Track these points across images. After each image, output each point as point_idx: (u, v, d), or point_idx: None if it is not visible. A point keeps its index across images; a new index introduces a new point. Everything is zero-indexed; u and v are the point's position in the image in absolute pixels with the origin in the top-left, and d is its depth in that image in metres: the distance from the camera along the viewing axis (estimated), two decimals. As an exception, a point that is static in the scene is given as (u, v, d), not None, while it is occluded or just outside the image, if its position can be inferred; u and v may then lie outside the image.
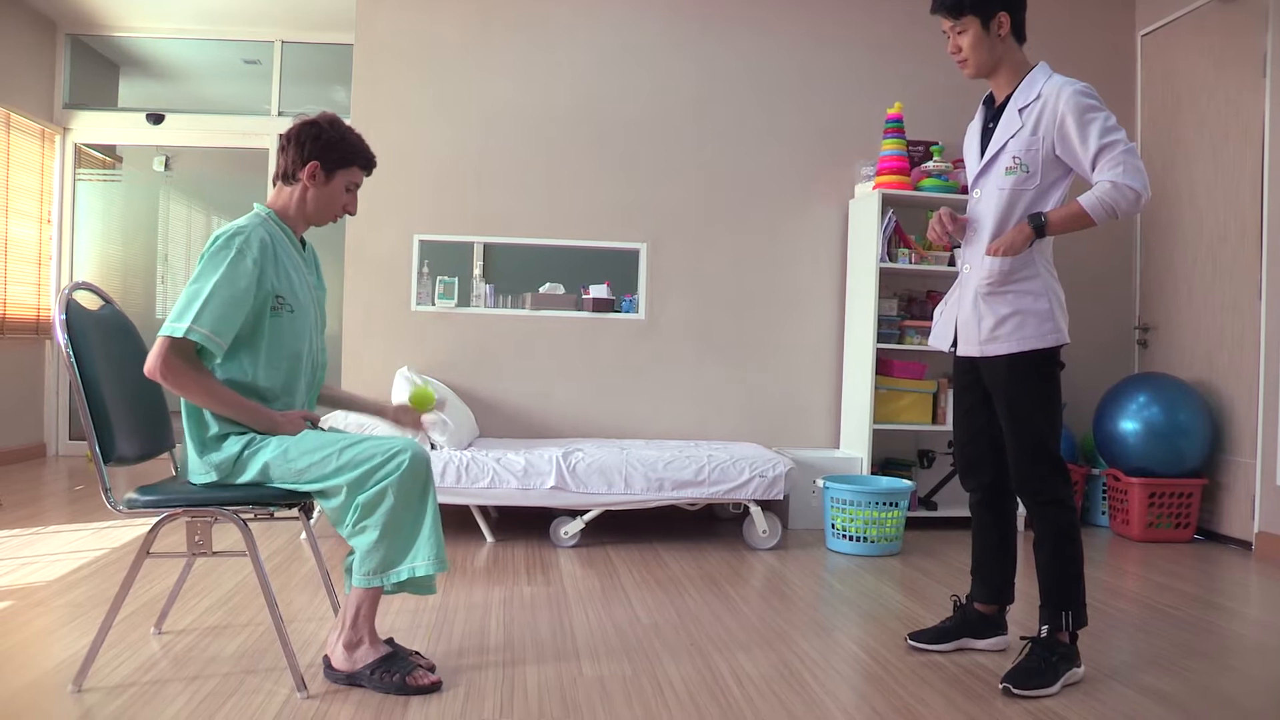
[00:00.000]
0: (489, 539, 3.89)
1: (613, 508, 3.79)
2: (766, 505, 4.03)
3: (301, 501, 2.28)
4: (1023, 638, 2.45)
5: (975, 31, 2.38)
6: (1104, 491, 4.61)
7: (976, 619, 2.62)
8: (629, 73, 4.70)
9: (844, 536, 3.86)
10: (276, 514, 2.26)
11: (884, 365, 4.42)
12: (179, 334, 2.05)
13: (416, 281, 4.58)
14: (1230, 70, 4.33)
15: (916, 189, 4.41)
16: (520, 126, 4.64)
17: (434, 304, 4.59)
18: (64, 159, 5.89)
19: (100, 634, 2.15)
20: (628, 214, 4.68)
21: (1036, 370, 2.39)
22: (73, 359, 2.10)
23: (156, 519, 2.20)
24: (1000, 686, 2.30)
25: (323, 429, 2.38)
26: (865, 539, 3.82)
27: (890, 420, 4.39)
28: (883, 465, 4.55)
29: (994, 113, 2.48)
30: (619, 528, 4.16)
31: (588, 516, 3.83)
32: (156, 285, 6.15)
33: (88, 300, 2.35)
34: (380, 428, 3.71)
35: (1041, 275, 2.39)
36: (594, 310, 4.66)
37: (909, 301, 4.62)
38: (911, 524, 4.33)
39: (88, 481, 4.97)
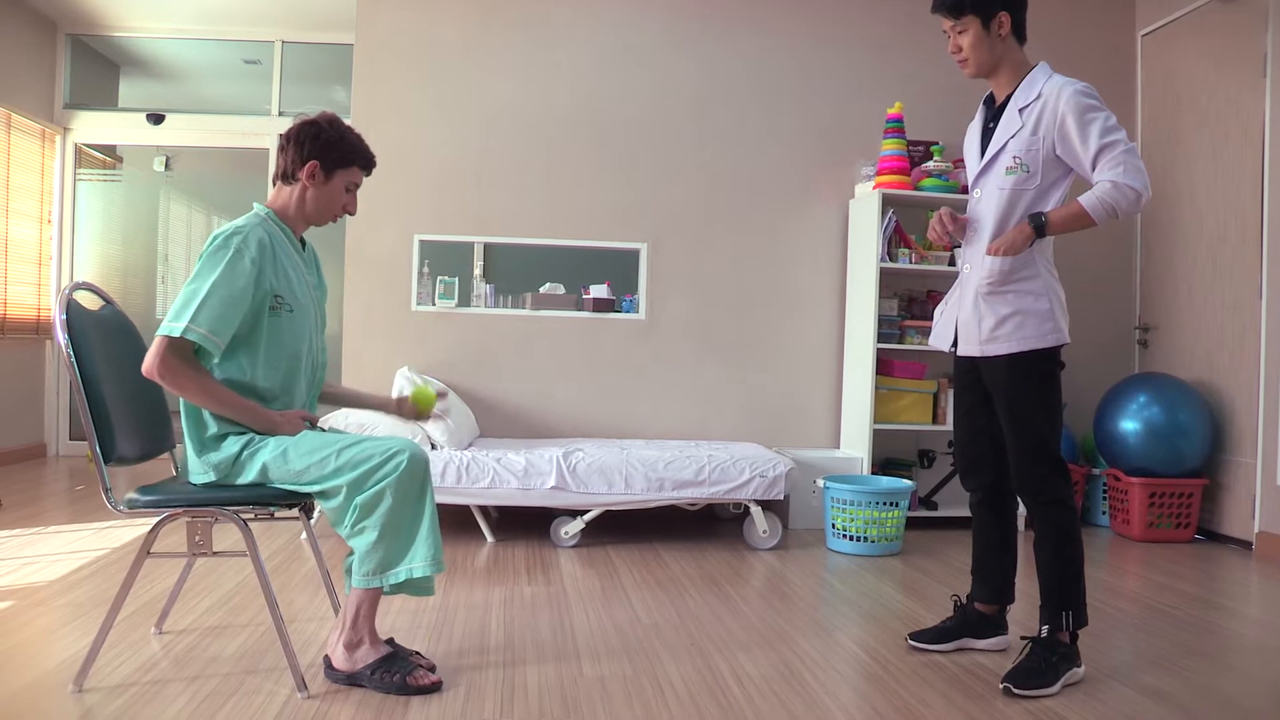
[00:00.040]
0: (489, 539, 3.89)
1: (613, 508, 3.79)
2: (767, 505, 4.03)
3: (302, 501, 2.28)
4: (1023, 637, 2.45)
5: (976, 31, 2.38)
6: (1104, 491, 4.61)
7: (977, 619, 2.62)
8: (629, 73, 4.70)
9: (844, 536, 3.86)
10: (277, 514, 2.26)
11: (884, 365, 4.42)
12: (176, 333, 2.05)
13: (417, 281, 4.58)
14: (1230, 70, 4.33)
15: (917, 189, 4.41)
16: (520, 126, 4.64)
17: (434, 304, 4.59)
18: (64, 159, 5.89)
19: (101, 634, 2.15)
20: (628, 214, 4.68)
21: (1037, 370, 2.39)
22: (73, 359, 2.10)
23: (157, 519, 2.20)
24: (1001, 686, 2.30)
25: (322, 429, 2.38)
26: (866, 539, 3.82)
27: (890, 420, 4.39)
28: (883, 465, 4.55)
29: (994, 113, 2.48)
30: (619, 528, 4.16)
31: (588, 516, 3.83)
32: (157, 285, 6.15)
33: (88, 300, 2.35)
34: (380, 428, 3.71)
35: (1042, 275, 2.39)
36: (594, 310, 4.66)
37: (909, 301, 4.62)
38: (912, 524, 4.33)
39: (88, 481, 4.97)
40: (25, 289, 5.60)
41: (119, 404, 2.19)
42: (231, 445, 2.16)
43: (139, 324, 2.52)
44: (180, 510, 2.16)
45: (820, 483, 4.06)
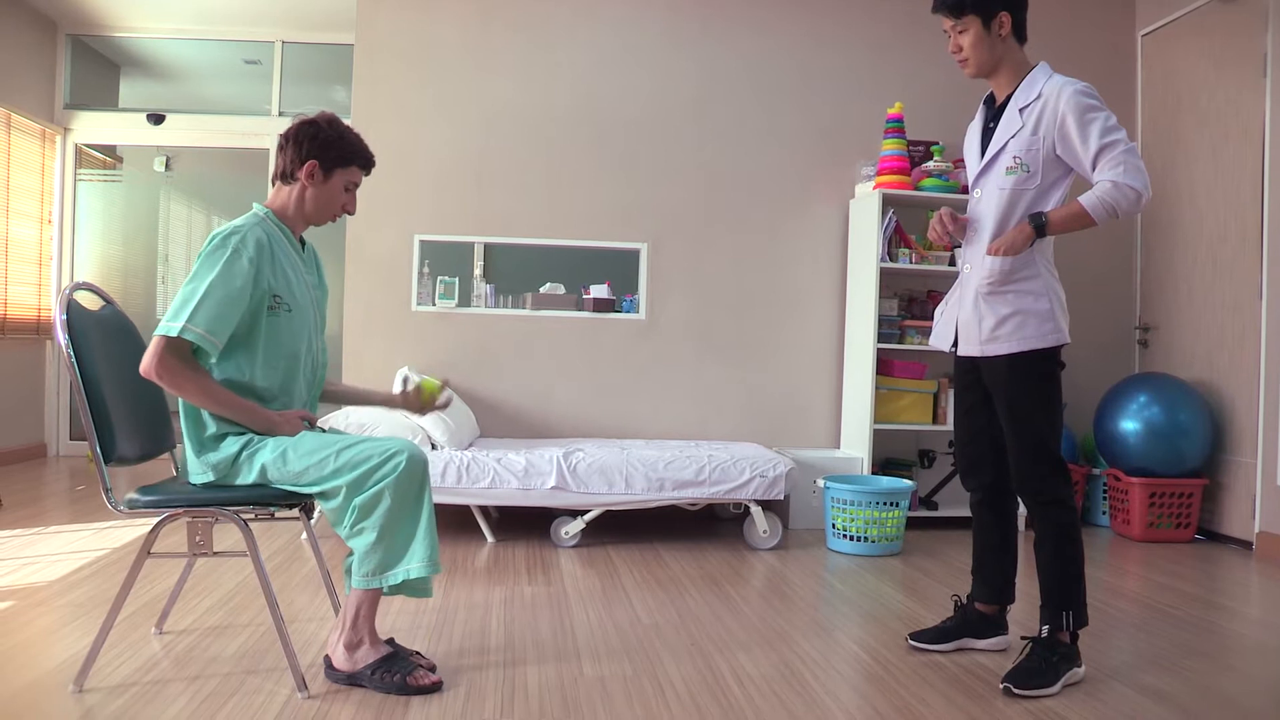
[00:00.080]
0: (489, 539, 3.89)
1: (613, 508, 3.79)
2: (767, 505, 4.03)
3: (302, 502, 2.28)
4: (1023, 637, 2.45)
5: (976, 31, 2.38)
6: (1105, 491, 4.61)
7: (977, 619, 2.62)
8: (629, 73, 4.70)
9: (845, 536, 3.86)
10: (277, 514, 2.26)
11: (884, 365, 4.42)
12: (174, 333, 2.05)
13: (417, 281, 4.58)
14: (1230, 70, 4.33)
15: (917, 189, 4.41)
16: (520, 126, 4.64)
17: (434, 304, 4.59)
18: (64, 159, 5.89)
19: (101, 634, 2.15)
20: (628, 214, 4.68)
21: (1037, 370, 2.39)
22: (73, 359, 2.10)
23: (157, 519, 2.20)
24: (1001, 686, 2.30)
25: (321, 429, 2.38)
26: (866, 539, 3.82)
27: (891, 420, 4.39)
28: (883, 465, 4.55)
29: (994, 112, 2.48)
30: (620, 528, 4.16)
31: (588, 516, 3.83)
32: (157, 285, 6.15)
33: (88, 300, 2.35)
34: (380, 428, 3.71)
35: (1042, 275, 2.39)
36: (594, 310, 4.66)
37: (909, 301, 4.62)
38: (912, 524, 4.33)
39: (89, 481, 4.97)
40: (25, 289, 5.60)
41: (119, 404, 2.19)
42: (231, 445, 2.16)
43: (139, 324, 2.52)
44: (181, 510, 2.17)
45: (820, 483, 4.06)
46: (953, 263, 4.42)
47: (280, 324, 2.22)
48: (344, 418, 3.77)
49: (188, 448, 2.19)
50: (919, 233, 4.61)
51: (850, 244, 4.69)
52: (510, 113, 4.63)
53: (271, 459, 2.14)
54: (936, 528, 4.39)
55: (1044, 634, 2.36)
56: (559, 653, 2.51)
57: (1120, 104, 4.94)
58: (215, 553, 2.27)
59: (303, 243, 2.40)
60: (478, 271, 4.68)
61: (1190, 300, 4.59)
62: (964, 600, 2.67)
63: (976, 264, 2.46)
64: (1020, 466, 2.41)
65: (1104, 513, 4.63)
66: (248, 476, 2.16)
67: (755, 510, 3.86)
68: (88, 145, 5.98)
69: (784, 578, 3.43)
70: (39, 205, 5.74)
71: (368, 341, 4.55)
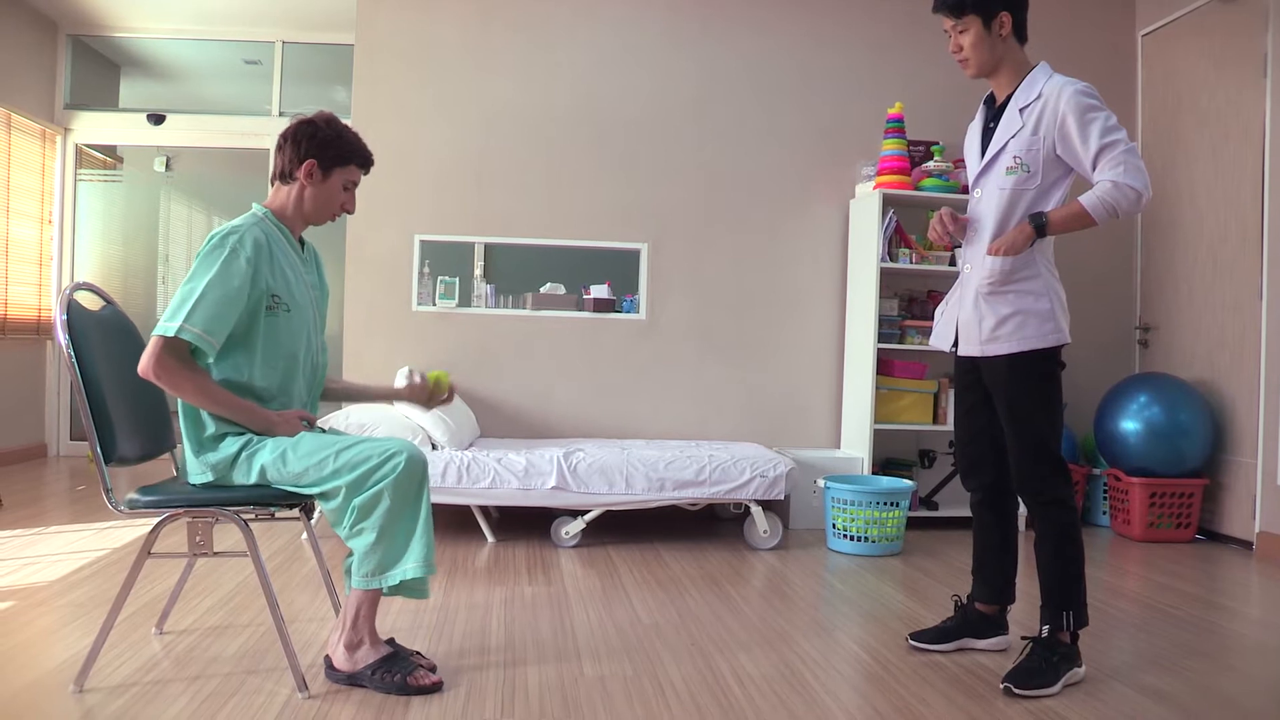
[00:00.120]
0: (490, 539, 3.89)
1: (614, 508, 3.79)
2: (767, 505, 4.03)
3: (303, 502, 2.28)
4: (1024, 637, 2.45)
5: (977, 31, 2.38)
6: (1105, 491, 4.61)
7: (977, 619, 2.62)
8: (629, 73, 4.70)
9: (845, 536, 3.86)
10: (277, 514, 2.26)
11: (885, 365, 4.42)
12: (171, 333, 2.05)
13: (417, 281, 4.58)
14: (1230, 70, 4.33)
15: (917, 189, 4.41)
16: (520, 126, 4.64)
17: (435, 304, 4.59)
18: (65, 159, 5.89)
19: (102, 634, 2.15)
20: (628, 214, 4.69)
21: (1037, 370, 2.39)
22: (74, 359, 2.10)
23: (158, 519, 2.20)
24: (1001, 686, 2.30)
25: (321, 429, 2.38)
26: (866, 539, 3.82)
27: (891, 420, 4.39)
28: (883, 465, 4.55)
29: (995, 112, 2.48)
30: (620, 528, 4.16)
31: (589, 516, 3.83)
32: (157, 286, 6.15)
33: (89, 300, 2.35)
34: (380, 429, 3.71)
35: (1042, 275, 2.39)
36: (595, 310, 4.66)
37: (910, 301, 4.62)
38: (912, 524, 4.32)
39: (89, 482, 4.97)
40: (26, 289, 5.60)
41: (119, 404, 2.19)
42: (230, 446, 2.16)
43: (139, 324, 2.52)
44: (181, 510, 2.17)
45: (821, 483, 4.06)
46: (953, 263, 4.42)
47: (279, 324, 2.22)
48: (344, 418, 3.77)
49: (187, 448, 2.19)
50: (919, 233, 4.61)
51: (850, 244, 4.69)
52: (510, 113, 4.64)
53: (271, 460, 2.14)
54: (937, 528, 4.39)
55: (1044, 634, 2.36)
56: (559, 653, 2.51)
57: (1120, 104, 4.94)
58: (215, 553, 2.27)
59: (302, 243, 2.40)
60: (478, 271, 4.68)
61: (1190, 300, 4.59)
62: (964, 600, 2.67)
63: (977, 264, 2.46)
64: (1021, 466, 2.41)
65: (1104, 513, 4.63)
66: (247, 477, 2.16)
67: (755, 510, 3.86)
68: (88, 145, 5.98)
69: (784, 578, 3.43)
70: (39, 205, 5.74)
71: (368, 341, 4.55)
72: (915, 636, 2.64)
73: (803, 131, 4.77)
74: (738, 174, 4.74)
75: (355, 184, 2.35)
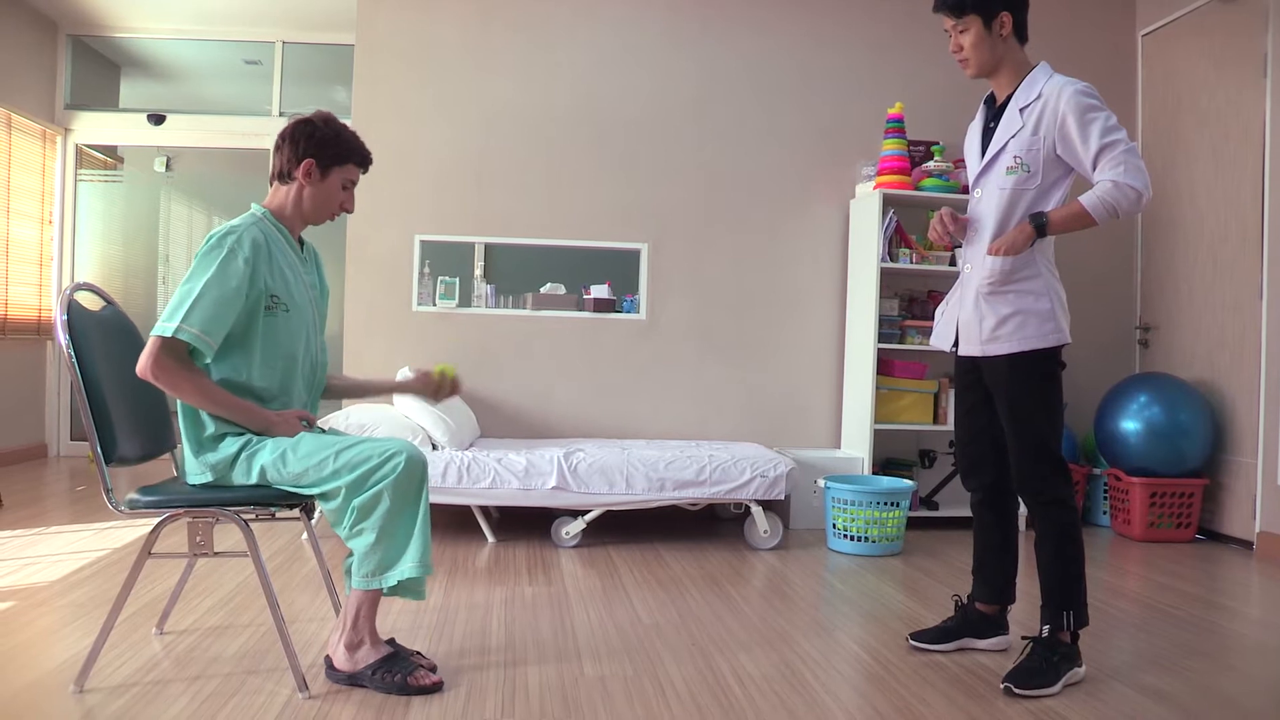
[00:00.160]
0: (490, 539, 3.89)
1: (614, 508, 3.79)
2: (768, 505, 4.03)
3: (303, 502, 2.28)
4: (1024, 637, 2.45)
5: (977, 30, 2.38)
6: (1105, 491, 4.61)
7: (978, 619, 2.62)
8: (629, 73, 4.70)
9: (845, 536, 3.86)
10: (278, 514, 2.26)
11: (885, 365, 4.42)
12: (169, 333, 2.05)
13: (418, 282, 4.58)
14: (1230, 70, 4.33)
15: (917, 189, 4.41)
16: (520, 126, 4.64)
17: (435, 304, 4.59)
18: (65, 160, 5.89)
19: (102, 634, 2.15)
20: (628, 214, 4.69)
21: (1038, 370, 2.39)
22: (74, 359, 2.10)
23: (158, 519, 2.20)
24: (1002, 686, 2.30)
25: (321, 429, 2.38)
26: (866, 539, 3.82)
27: (891, 420, 4.39)
28: (884, 465, 4.55)
29: (995, 112, 2.48)
30: (620, 528, 4.16)
31: (589, 516, 3.83)
32: (157, 286, 6.15)
33: (89, 301, 2.35)
34: (380, 429, 3.71)
35: (1043, 275, 2.39)
36: (595, 310, 4.66)
37: (910, 301, 4.62)
38: (913, 524, 4.32)
39: (89, 482, 4.97)
40: (26, 289, 5.60)
41: (120, 404, 2.19)
42: (230, 446, 2.16)
43: (140, 325, 2.52)
44: (181, 510, 2.17)
45: (821, 483, 4.06)
46: (953, 263, 4.42)
47: (278, 324, 2.22)
48: (344, 418, 3.77)
49: (186, 448, 2.19)
50: (919, 233, 4.61)
51: (851, 244, 4.69)
52: (510, 113, 4.64)
53: (271, 460, 2.14)
54: (937, 528, 4.39)
55: (1045, 634, 2.36)
56: (560, 653, 2.51)
57: (1120, 104, 4.94)
58: (216, 553, 2.27)
59: (302, 243, 2.40)
60: (478, 272, 4.68)
61: (1191, 300, 4.59)
62: (965, 600, 2.67)
63: (977, 264, 2.46)
64: (1021, 466, 2.41)
65: (1105, 512, 4.63)
66: (247, 477, 2.16)
67: (756, 510, 3.86)
68: (88, 145, 5.98)
69: (784, 578, 3.43)
70: (39, 206, 5.74)
71: (369, 342, 4.55)
72: (916, 636, 2.64)
73: (803, 131, 4.77)
74: (738, 174, 4.74)
75: (354, 183, 2.35)
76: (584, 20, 4.69)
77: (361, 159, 2.33)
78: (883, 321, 4.37)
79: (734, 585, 3.30)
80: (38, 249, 5.73)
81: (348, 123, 2.38)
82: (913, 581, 3.42)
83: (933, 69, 4.77)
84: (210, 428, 2.17)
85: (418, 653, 2.32)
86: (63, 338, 2.09)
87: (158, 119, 5.85)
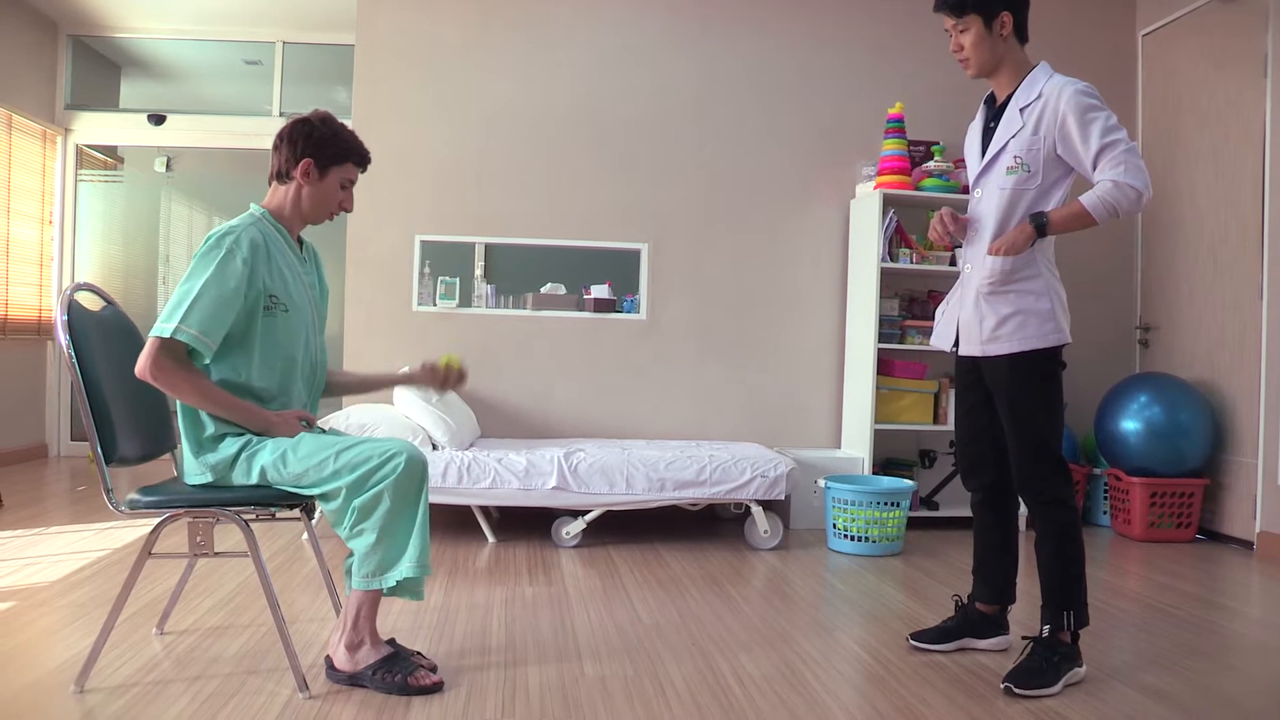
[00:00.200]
0: (490, 539, 3.89)
1: (614, 508, 3.79)
2: (768, 505, 4.03)
3: (303, 502, 2.28)
4: (1024, 637, 2.45)
5: (978, 30, 2.38)
6: (1105, 491, 4.61)
7: (978, 619, 2.62)
8: (629, 73, 4.70)
9: (845, 536, 3.86)
10: (278, 514, 2.26)
11: (885, 365, 4.42)
12: (167, 334, 2.05)
13: (418, 282, 4.58)
14: (1231, 70, 4.33)
15: (917, 189, 4.41)
16: (520, 126, 4.64)
17: (435, 304, 4.59)
18: (65, 160, 5.89)
19: (102, 634, 2.15)
20: (628, 214, 4.69)
21: (1038, 370, 2.39)
22: (74, 360, 2.10)
23: (158, 519, 2.20)
24: (1002, 686, 2.30)
25: (321, 429, 2.38)
26: (867, 539, 3.82)
27: (891, 420, 4.39)
28: (884, 465, 4.55)
29: (995, 112, 2.48)
30: (620, 528, 4.16)
31: (589, 517, 3.83)
32: (158, 286, 6.15)
33: (89, 301, 2.35)
34: (380, 429, 3.71)
35: (1043, 275, 2.39)
36: (595, 310, 4.66)
37: (910, 301, 4.62)
38: (913, 524, 4.32)
39: (90, 482, 4.97)
40: (26, 290, 5.60)
41: (120, 404, 2.19)
42: (230, 446, 2.16)
43: (140, 325, 2.52)
44: (182, 511, 2.17)
45: (821, 483, 4.06)
46: (953, 263, 4.42)
47: (277, 324, 2.22)
48: (344, 418, 3.77)
49: (186, 448, 2.19)
50: (920, 233, 4.61)
51: (851, 244, 4.69)
52: (510, 113, 4.64)
53: (271, 461, 2.14)
54: (937, 528, 4.39)
55: (1045, 634, 2.36)
56: (560, 653, 2.51)
57: (1120, 104, 4.93)
58: (216, 553, 2.27)
59: (301, 242, 2.40)
60: (478, 272, 4.68)
61: (1191, 300, 4.59)
62: (965, 600, 2.67)
63: (977, 264, 2.46)
64: (1021, 466, 2.41)
65: (1105, 512, 4.63)
66: (247, 478, 2.16)
67: (756, 510, 3.86)
68: (88, 146, 5.98)
69: (785, 578, 3.43)
70: (40, 206, 5.74)
71: (369, 342, 4.55)
72: (916, 636, 2.64)
73: (803, 131, 4.77)
74: (738, 174, 4.74)
75: (353, 182, 2.35)
76: (584, 20, 4.69)
77: (360, 158, 2.33)
78: (883, 321, 4.37)
79: (734, 585, 3.30)
80: (38, 249, 5.73)
81: (347, 123, 2.38)
82: (913, 581, 3.42)
83: (933, 69, 4.77)
84: (210, 428, 2.17)
85: (418, 653, 2.32)
86: (63, 338, 2.09)
87: (158, 119, 5.85)
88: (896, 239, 4.45)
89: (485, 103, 4.62)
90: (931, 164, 4.43)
